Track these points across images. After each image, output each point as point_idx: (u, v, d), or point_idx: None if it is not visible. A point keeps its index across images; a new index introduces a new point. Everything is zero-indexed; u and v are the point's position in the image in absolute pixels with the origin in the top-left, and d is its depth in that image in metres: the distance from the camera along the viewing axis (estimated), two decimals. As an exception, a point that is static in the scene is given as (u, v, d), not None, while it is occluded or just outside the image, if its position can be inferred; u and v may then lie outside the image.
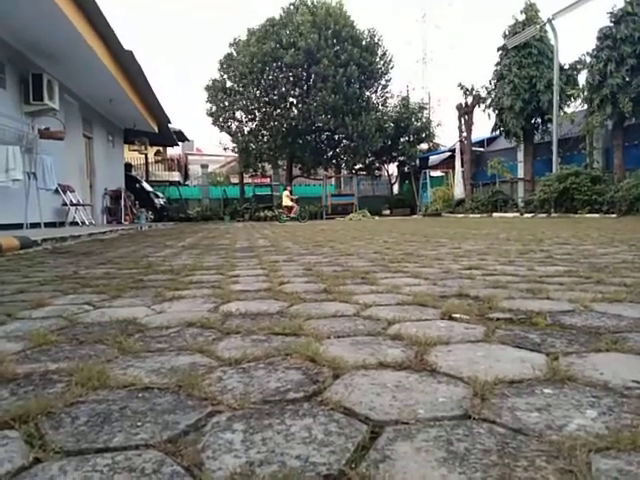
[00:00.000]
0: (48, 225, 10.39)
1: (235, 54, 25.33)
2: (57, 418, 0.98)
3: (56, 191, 11.05)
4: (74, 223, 11.86)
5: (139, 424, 0.95)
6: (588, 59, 17.35)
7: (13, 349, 1.51)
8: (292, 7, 25.05)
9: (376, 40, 25.62)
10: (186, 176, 31.55)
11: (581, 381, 1.13)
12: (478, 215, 19.56)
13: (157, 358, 1.39)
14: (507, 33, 20.26)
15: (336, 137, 25.78)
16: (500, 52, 20.53)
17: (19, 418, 0.96)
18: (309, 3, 24.88)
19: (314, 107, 23.64)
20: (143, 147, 19.41)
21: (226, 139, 26.66)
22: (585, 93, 17.64)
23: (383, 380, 1.16)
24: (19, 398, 1.09)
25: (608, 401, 1.01)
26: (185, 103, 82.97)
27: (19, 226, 9.12)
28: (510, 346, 1.43)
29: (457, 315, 1.81)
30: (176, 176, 28.94)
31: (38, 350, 1.50)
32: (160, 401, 1.06)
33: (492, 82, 20.95)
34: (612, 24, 16.27)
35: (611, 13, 16.31)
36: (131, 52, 11.36)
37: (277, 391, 1.11)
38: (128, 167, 21.07)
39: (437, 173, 27.46)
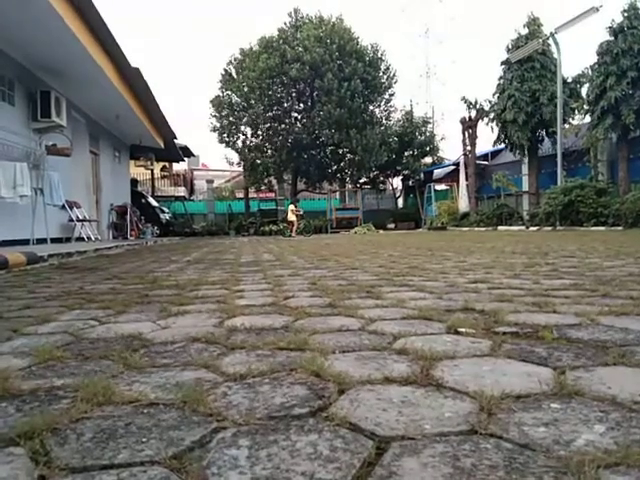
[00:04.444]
0: (54, 241, 10.46)
1: (234, 72, 25.60)
2: (62, 434, 0.98)
3: (63, 207, 11.14)
4: (80, 239, 11.92)
5: (144, 440, 0.95)
6: (590, 72, 17.47)
7: (19, 365, 1.52)
8: (293, 22, 25.39)
9: (379, 55, 25.89)
10: (192, 191, 31.74)
11: (588, 395, 1.12)
12: (483, 228, 19.52)
13: (162, 373, 1.39)
14: (510, 47, 20.42)
15: (340, 151, 25.93)
16: (503, 66, 20.67)
17: (24, 435, 0.96)
18: (313, 18, 25.21)
19: (318, 121, 23.81)
20: (149, 163, 19.57)
21: (232, 154, 26.94)
22: (585, 106, 17.76)
23: (389, 395, 1.16)
24: (25, 414, 1.09)
25: (616, 416, 1.00)
26: (191, 118, 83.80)
27: (26, 242, 9.19)
28: (516, 360, 1.42)
29: (463, 329, 1.81)
30: (182, 191, 29.12)
31: (44, 366, 1.50)
32: (165, 417, 1.06)
33: (495, 96, 21.07)
34: (612, 38, 16.41)
35: (610, 27, 16.48)
36: (138, 69, 11.52)
37: (282, 406, 1.10)
38: (134, 183, 21.23)
39: (441, 187, 27.52)
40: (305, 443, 0.92)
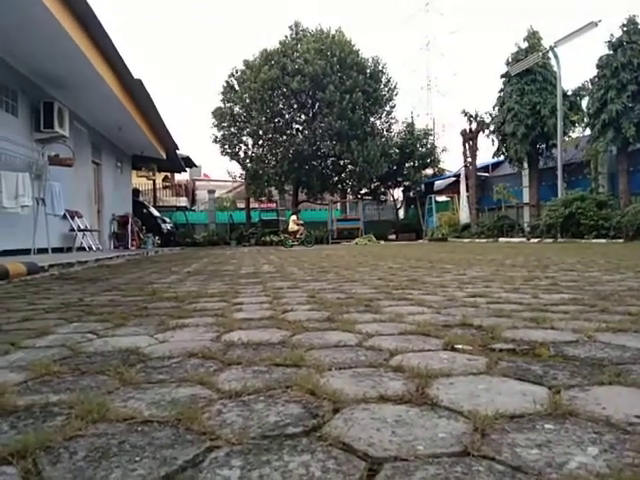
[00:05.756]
0: (55, 250, 10.48)
1: (236, 84, 25.73)
2: (55, 453, 0.98)
3: (64, 217, 11.17)
4: (81, 248, 11.94)
5: (137, 459, 0.95)
6: (590, 85, 17.60)
7: (15, 380, 1.52)
8: (294, 35, 25.57)
9: (380, 67, 26.05)
10: (193, 201, 31.84)
11: (583, 416, 1.12)
12: (484, 240, 19.52)
13: (158, 390, 1.39)
14: (510, 60, 20.55)
15: (341, 162, 25.99)
16: (503, 79, 20.79)
17: (17, 453, 0.96)
18: (313, 31, 25.39)
19: (320, 133, 23.92)
20: (151, 173, 19.65)
21: (233, 166, 27.11)
22: (586, 119, 17.87)
23: (383, 414, 1.16)
24: (18, 432, 1.09)
25: (610, 437, 1.00)
26: (193, 129, 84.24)
27: (27, 252, 9.20)
28: (512, 379, 1.42)
29: (460, 346, 1.80)
30: (183, 201, 29.22)
31: (40, 381, 1.50)
32: (159, 435, 1.06)
33: (495, 108, 21.18)
34: (611, 52, 16.53)
35: (609, 42, 16.62)
36: (140, 80, 11.60)
37: (276, 425, 1.10)
38: (136, 193, 21.31)
39: (442, 198, 27.56)
40: (297, 464, 0.91)
